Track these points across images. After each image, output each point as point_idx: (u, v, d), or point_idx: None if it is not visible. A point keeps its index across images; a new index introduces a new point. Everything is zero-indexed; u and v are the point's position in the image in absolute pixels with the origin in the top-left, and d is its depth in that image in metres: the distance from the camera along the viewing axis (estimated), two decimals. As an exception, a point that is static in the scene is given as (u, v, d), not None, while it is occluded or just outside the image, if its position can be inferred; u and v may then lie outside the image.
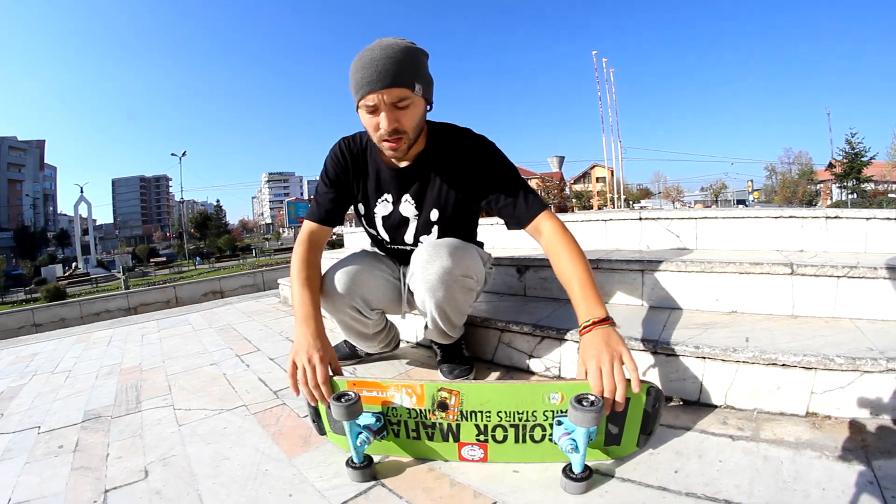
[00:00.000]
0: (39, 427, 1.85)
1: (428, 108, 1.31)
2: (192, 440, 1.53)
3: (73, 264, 37.31)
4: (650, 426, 1.05)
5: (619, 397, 0.97)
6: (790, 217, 1.88)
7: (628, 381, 0.99)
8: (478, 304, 1.92)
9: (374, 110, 1.20)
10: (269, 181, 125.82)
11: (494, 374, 1.68)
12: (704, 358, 1.25)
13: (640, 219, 2.19)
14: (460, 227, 1.50)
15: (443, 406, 1.10)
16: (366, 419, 1.13)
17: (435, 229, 1.47)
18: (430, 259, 1.30)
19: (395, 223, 1.51)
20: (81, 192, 40.94)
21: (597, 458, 1.06)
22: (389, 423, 1.16)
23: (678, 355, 1.29)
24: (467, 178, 1.38)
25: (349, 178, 1.49)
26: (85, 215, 40.79)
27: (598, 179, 62.63)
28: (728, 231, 1.96)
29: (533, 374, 1.62)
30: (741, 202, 48.70)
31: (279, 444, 1.39)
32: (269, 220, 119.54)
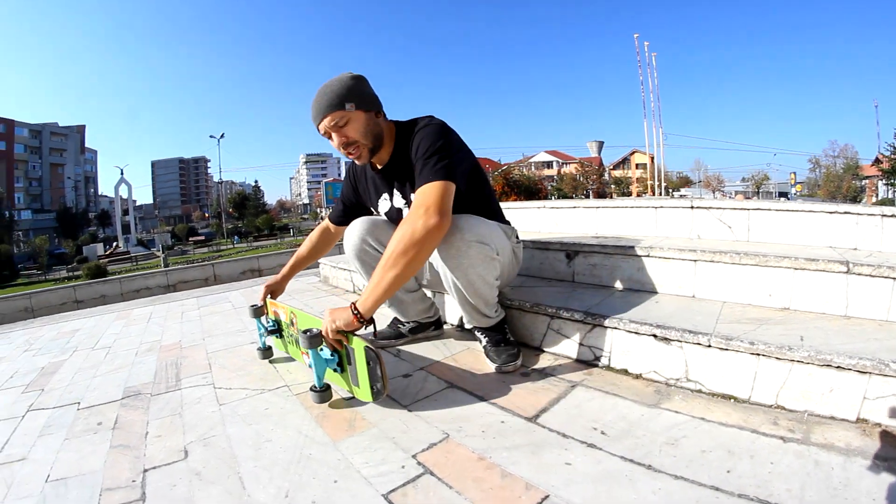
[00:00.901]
0: (79, 403, 1.97)
1: (377, 115, 1.64)
2: (232, 420, 1.57)
3: (114, 243, 40.79)
4: (374, 381, 1.42)
5: (327, 334, 1.49)
6: (845, 213, 1.91)
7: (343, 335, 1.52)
8: (525, 290, 2.06)
9: (328, 136, 1.60)
10: (306, 162, 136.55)
11: (543, 361, 1.74)
12: (759, 355, 1.30)
13: (692, 207, 2.27)
14: (455, 208, 1.57)
15: (292, 323, 1.83)
16: (268, 323, 2.08)
17: None
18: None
19: (395, 215, 1.81)
20: (122, 173, 45.34)
21: (343, 389, 1.63)
22: (280, 330, 2.02)
23: (732, 350, 1.34)
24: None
25: (359, 189, 1.96)
26: (125, 196, 44.68)
27: (637, 166, 65.74)
28: (781, 224, 2.02)
29: (582, 362, 1.70)
30: (783, 195, 51.55)
31: (323, 426, 1.44)
32: (306, 201, 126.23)
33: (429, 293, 2.14)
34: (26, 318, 7.39)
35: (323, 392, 1.56)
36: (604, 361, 1.64)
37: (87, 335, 3.43)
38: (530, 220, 3.21)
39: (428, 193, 1.43)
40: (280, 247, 31.74)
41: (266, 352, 2.13)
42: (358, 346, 1.46)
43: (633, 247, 1.96)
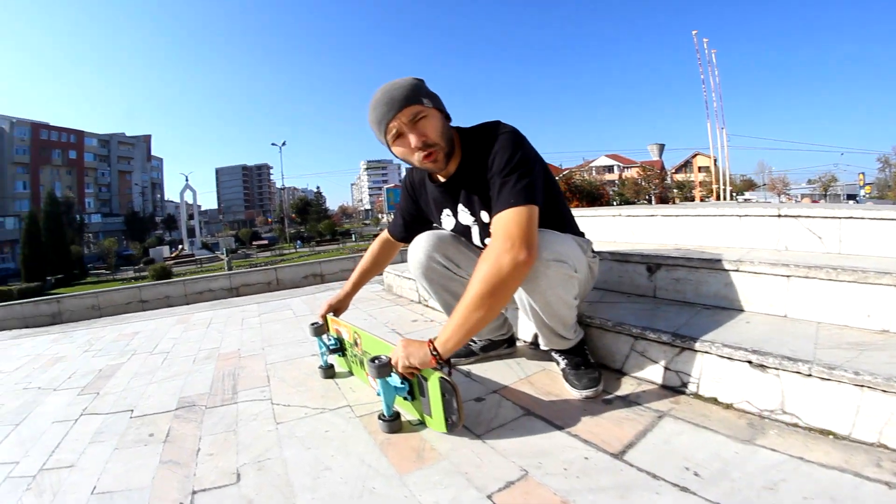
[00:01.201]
0: (132, 411, 2.01)
1: (447, 119, 1.57)
2: (290, 442, 1.52)
3: (180, 246, 43.84)
4: (450, 413, 1.37)
5: (397, 365, 1.44)
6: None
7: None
8: (604, 306, 2.02)
9: (400, 136, 1.49)
10: (367, 169, 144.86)
11: (625, 386, 1.68)
12: (863, 386, 1.22)
13: (779, 216, 2.19)
14: None
15: (355, 343, 1.84)
16: (329, 341, 2.05)
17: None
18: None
19: (461, 232, 1.77)
20: (186, 180, 49.47)
21: (413, 415, 1.57)
22: (343, 349, 2.01)
23: (834, 381, 1.27)
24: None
25: (420, 202, 1.89)
26: (190, 201, 48.51)
27: (700, 169, 66.82)
28: (875, 234, 1.91)
29: (668, 388, 1.63)
30: (851, 197, 51.14)
31: (388, 455, 1.37)
32: (367, 206, 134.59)
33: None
34: (93, 315, 7.97)
35: (392, 421, 1.51)
36: (692, 388, 1.57)
37: (146, 338, 3.58)
38: (605, 228, 3.12)
39: (513, 223, 1.34)
40: (342, 251, 33.95)
41: (328, 371, 2.09)
42: (432, 379, 1.40)
43: (720, 260, 1.89)
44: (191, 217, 47.49)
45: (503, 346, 2.08)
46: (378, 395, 1.52)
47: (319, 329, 2.08)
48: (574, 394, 1.62)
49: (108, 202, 71.21)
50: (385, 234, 2.09)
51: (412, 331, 2.72)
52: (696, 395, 1.55)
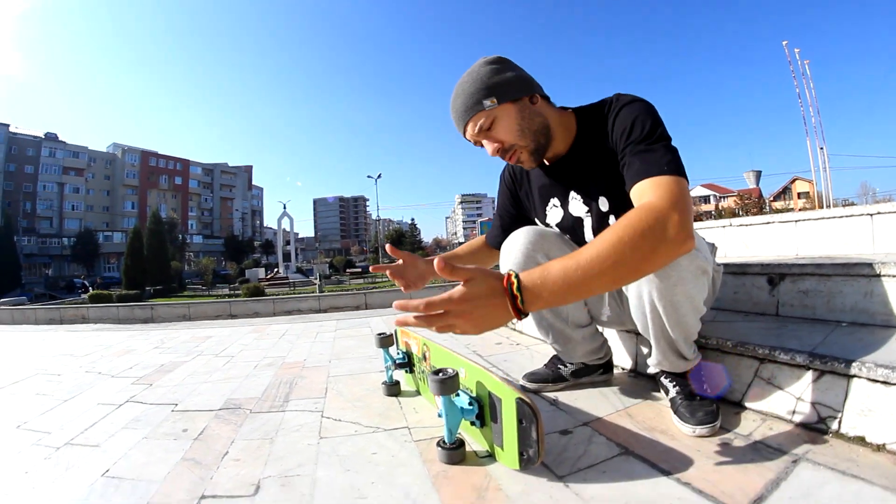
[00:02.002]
0: (176, 405, 2.00)
1: (531, 101, 1.41)
2: (328, 460, 1.36)
3: (275, 269, 46.54)
4: (526, 446, 1.14)
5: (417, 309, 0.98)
6: None
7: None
8: (720, 325, 1.83)
9: (478, 144, 1.43)
10: (462, 202, 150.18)
11: (747, 422, 1.42)
12: None
13: None
14: None
15: (424, 358, 1.70)
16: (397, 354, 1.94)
17: (613, 220, 1.46)
18: None
19: (570, 226, 1.58)
20: (284, 208, 54.03)
21: (481, 444, 1.34)
22: (411, 364, 1.89)
23: None
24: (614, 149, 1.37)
25: (520, 194, 1.75)
26: (287, 228, 51.87)
27: (799, 195, 67.62)
28: None
29: (802, 426, 1.36)
30: None
31: (440, 491, 1.14)
32: (462, 239, 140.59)
33: (600, 329, 1.91)
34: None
35: (453, 450, 1.29)
36: (832, 425, 1.32)
37: (216, 342, 3.68)
38: (715, 243, 2.92)
39: (676, 195, 1.10)
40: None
41: (392, 388, 1.93)
42: (507, 398, 1.19)
43: (858, 264, 1.69)
44: (287, 243, 50.69)
45: (598, 371, 1.87)
46: (440, 416, 1.31)
47: (386, 340, 1.94)
48: (685, 430, 1.37)
49: (210, 225, 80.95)
50: (482, 238, 1.92)
51: (495, 354, 2.49)
52: (838, 434, 1.30)
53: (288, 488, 1.19)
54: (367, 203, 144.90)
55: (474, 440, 1.38)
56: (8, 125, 58.02)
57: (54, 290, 42.07)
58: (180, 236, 61.18)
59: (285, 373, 2.46)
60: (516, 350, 2.60)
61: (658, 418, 1.50)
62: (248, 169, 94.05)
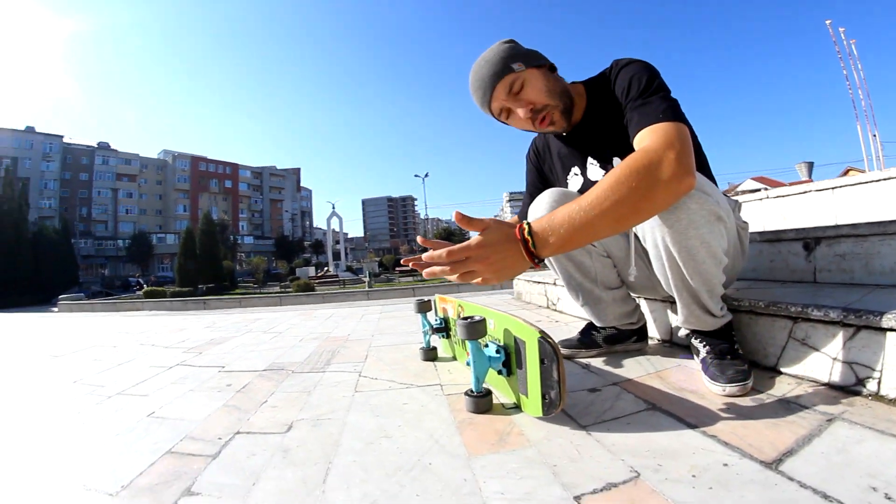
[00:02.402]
0: (223, 367, 2.16)
1: (551, 70, 1.53)
2: (360, 408, 1.45)
3: (325, 268, 47.32)
4: (548, 387, 1.17)
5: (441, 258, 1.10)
6: None
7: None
8: (753, 291, 1.78)
9: (508, 113, 1.50)
10: (510, 200, 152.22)
11: (780, 385, 1.40)
12: None
13: None
14: None
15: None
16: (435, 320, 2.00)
17: None
18: None
19: None
20: (333, 208, 55.06)
21: (509, 397, 1.39)
22: (448, 329, 1.93)
23: None
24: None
25: (544, 168, 1.86)
26: (336, 228, 53.30)
27: None
28: None
29: (838, 388, 1.34)
30: None
31: (463, 434, 1.21)
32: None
33: (633, 295, 1.95)
34: (232, 314, 8.79)
35: (480, 398, 1.34)
36: (870, 387, 1.28)
37: (265, 323, 3.86)
38: (750, 216, 2.82)
39: (671, 136, 1.16)
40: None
41: (429, 352, 2.01)
42: (530, 338, 1.22)
43: (893, 222, 1.65)
44: (336, 242, 51.75)
45: (631, 338, 1.88)
46: (468, 365, 1.36)
47: (424, 305, 2.01)
48: (715, 389, 1.36)
49: (261, 226, 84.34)
50: (514, 218, 1.94)
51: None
52: (877, 396, 1.26)
53: (318, 428, 1.28)
54: (416, 202, 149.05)
55: (503, 394, 1.42)
56: (62, 136, 62.46)
57: (110, 289, 44.82)
58: (232, 237, 63.76)
59: (329, 344, 2.57)
60: (555, 326, 2.64)
61: (689, 380, 1.51)
62: (297, 171, 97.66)
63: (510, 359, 1.32)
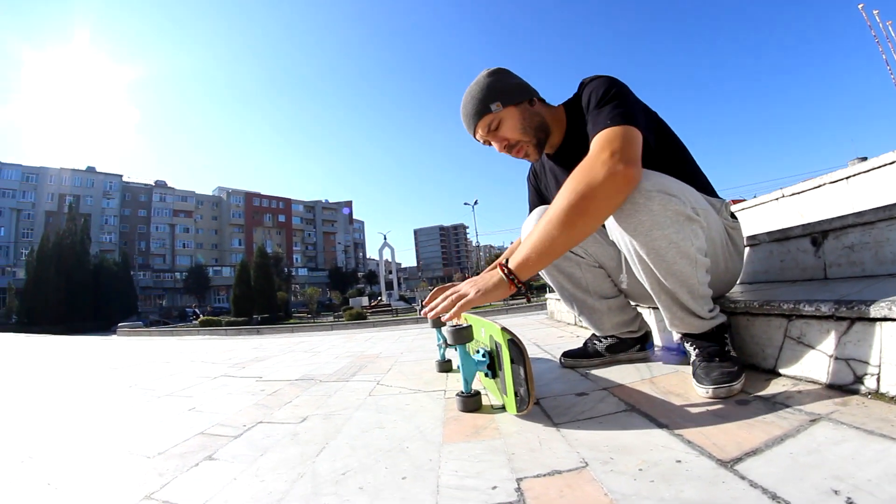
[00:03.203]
0: (260, 377, 2.42)
1: (531, 104, 1.67)
2: (367, 407, 1.65)
3: (378, 297, 47.81)
4: (517, 384, 1.33)
5: (441, 311, 1.38)
6: None
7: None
8: (757, 292, 1.77)
9: (487, 143, 1.70)
10: None
11: (775, 387, 1.37)
12: None
13: None
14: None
15: None
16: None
17: None
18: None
19: None
20: (384, 238, 55.15)
21: (497, 398, 1.53)
22: None
23: None
24: None
25: (541, 186, 2.00)
26: (388, 258, 54.38)
27: None
28: None
29: (836, 388, 1.27)
30: None
31: (446, 427, 1.37)
32: None
33: (633, 303, 1.99)
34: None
35: (468, 398, 1.49)
36: (869, 384, 1.19)
37: (307, 345, 4.13)
38: (768, 219, 2.82)
39: (609, 137, 1.31)
40: (538, 301, 34.31)
41: (444, 364, 2.18)
42: (503, 341, 1.35)
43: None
44: (389, 272, 52.45)
45: (634, 347, 1.93)
46: (457, 369, 1.54)
47: (438, 321, 2.16)
48: (700, 391, 1.37)
49: (314, 258, 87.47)
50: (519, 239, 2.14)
51: (553, 344, 2.67)
52: (876, 395, 1.19)
53: (327, 420, 1.50)
54: (467, 230, 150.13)
55: (494, 397, 1.57)
56: (121, 175, 67.54)
57: (168, 318, 47.24)
58: (286, 269, 65.97)
59: (359, 360, 2.78)
60: (577, 341, 2.72)
61: (681, 385, 1.52)
62: (349, 204, 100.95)
63: (493, 362, 1.46)
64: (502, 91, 1.63)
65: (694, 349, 1.49)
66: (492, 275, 1.34)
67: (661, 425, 1.20)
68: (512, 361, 1.33)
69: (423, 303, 1.67)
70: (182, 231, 71.43)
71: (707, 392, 1.33)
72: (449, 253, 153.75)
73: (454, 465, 1.09)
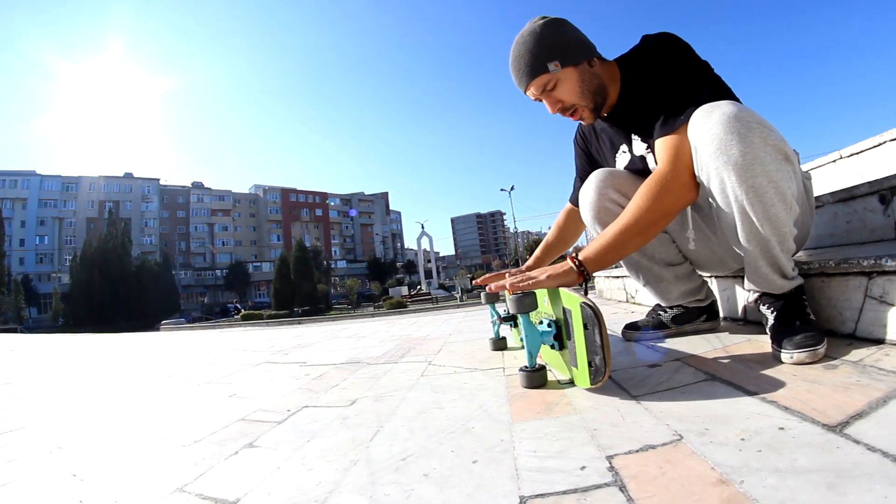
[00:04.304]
0: (304, 363, 2.34)
1: (590, 64, 1.55)
2: (421, 387, 1.53)
3: (418, 286, 48.28)
4: (592, 353, 1.20)
5: (507, 284, 1.47)
6: None
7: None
8: (822, 254, 1.72)
9: (539, 101, 1.59)
10: None
11: (858, 352, 1.25)
12: None
13: None
14: None
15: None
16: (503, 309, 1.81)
17: None
18: (704, 117, 1.30)
19: (640, 165, 1.67)
20: (422, 227, 56.05)
21: (564, 373, 1.43)
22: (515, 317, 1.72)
23: None
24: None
25: (592, 151, 1.90)
26: (427, 247, 55.42)
27: None
28: None
29: None
30: None
31: (512, 405, 1.25)
32: None
33: (699, 272, 1.90)
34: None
35: (534, 372, 1.37)
36: None
37: (351, 331, 4.08)
38: (827, 182, 2.66)
39: (681, 149, 1.34)
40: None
41: (498, 342, 2.06)
42: (574, 306, 1.25)
43: None
44: (428, 261, 52.92)
45: (701, 317, 1.82)
46: (521, 341, 1.40)
47: (493, 296, 2.03)
48: (783, 356, 1.27)
49: (353, 250, 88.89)
50: (567, 204, 2.04)
51: (609, 320, 2.51)
52: None
53: (379, 403, 1.38)
54: (504, 217, 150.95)
55: (559, 371, 1.45)
56: (158, 179, 70.08)
57: (210, 314, 48.55)
58: (325, 262, 67.33)
59: (406, 343, 2.69)
60: (631, 316, 2.59)
61: (758, 351, 1.45)
62: (385, 195, 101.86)
63: (560, 332, 1.34)
64: (562, 49, 1.50)
65: (772, 312, 1.39)
66: (562, 264, 1.38)
67: (749, 392, 1.12)
68: (585, 327, 1.20)
69: (477, 282, 1.70)
70: (221, 230, 73.34)
71: (791, 357, 1.24)
72: (487, 240, 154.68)
73: (530, 444, 0.98)
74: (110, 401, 1.91)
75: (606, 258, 1.34)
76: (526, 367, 1.38)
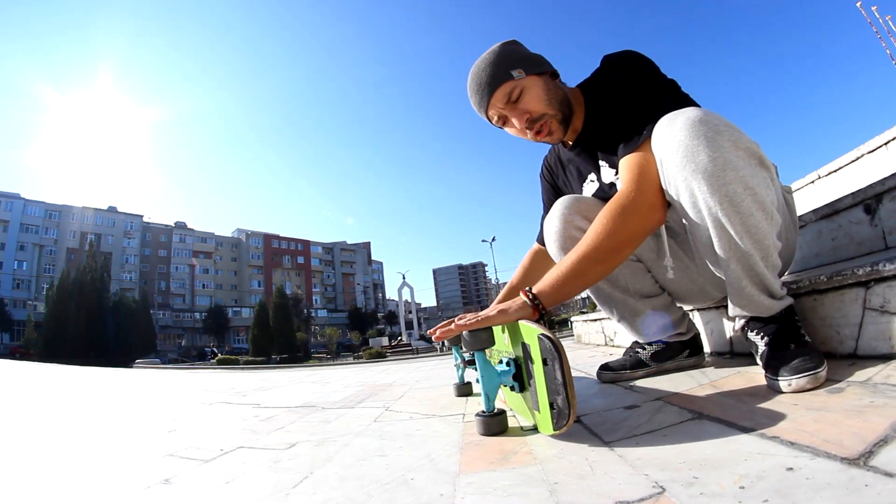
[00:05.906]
0: (258, 405, 2.26)
1: (553, 78, 1.53)
2: (371, 433, 1.43)
3: (399, 337, 48.13)
4: (553, 393, 1.08)
5: (454, 326, 1.29)
6: None
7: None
8: (811, 272, 1.64)
9: (504, 121, 1.51)
10: None
11: (863, 371, 1.15)
12: None
13: None
14: None
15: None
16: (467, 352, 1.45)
17: None
18: (667, 125, 1.23)
19: (608, 197, 1.50)
20: (403, 278, 56.67)
21: (527, 418, 1.29)
22: None
23: None
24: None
25: (558, 183, 1.86)
26: (408, 298, 55.92)
27: None
28: None
29: None
30: None
31: (464, 454, 1.12)
32: (584, 295, 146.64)
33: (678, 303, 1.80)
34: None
35: (491, 417, 1.23)
36: None
37: (318, 377, 4.03)
38: (806, 205, 2.50)
39: (646, 169, 1.27)
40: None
41: (463, 388, 1.95)
42: (532, 339, 1.13)
43: None
44: (409, 311, 52.97)
45: (683, 353, 1.71)
46: (477, 381, 1.29)
47: (456, 339, 1.95)
48: (781, 386, 1.14)
49: (334, 299, 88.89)
50: (535, 245, 1.93)
51: (585, 363, 2.45)
52: None
53: (319, 447, 1.29)
54: (486, 268, 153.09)
55: (521, 416, 1.35)
56: (142, 216, 70.04)
57: (186, 357, 47.86)
58: (305, 310, 66.88)
59: (370, 389, 2.59)
60: (609, 358, 2.51)
61: (750, 384, 1.31)
62: (367, 245, 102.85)
63: (521, 371, 1.23)
64: (524, 58, 1.47)
65: (762, 338, 1.27)
66: (515, 299, 1.25)
67: (744, 429, 0.97)
68: (545, 363, 1.08)
69: (430, 332, 1.54)
70: (202, 272, 72.89)
71: (789, 384, 1.12)
72: (469, 292, 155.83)
73: (474, 500, 0.85)
74: (41, 430, 1.84)
75: (563, 290, 1.23)
76: (483, 411, 1.25)
